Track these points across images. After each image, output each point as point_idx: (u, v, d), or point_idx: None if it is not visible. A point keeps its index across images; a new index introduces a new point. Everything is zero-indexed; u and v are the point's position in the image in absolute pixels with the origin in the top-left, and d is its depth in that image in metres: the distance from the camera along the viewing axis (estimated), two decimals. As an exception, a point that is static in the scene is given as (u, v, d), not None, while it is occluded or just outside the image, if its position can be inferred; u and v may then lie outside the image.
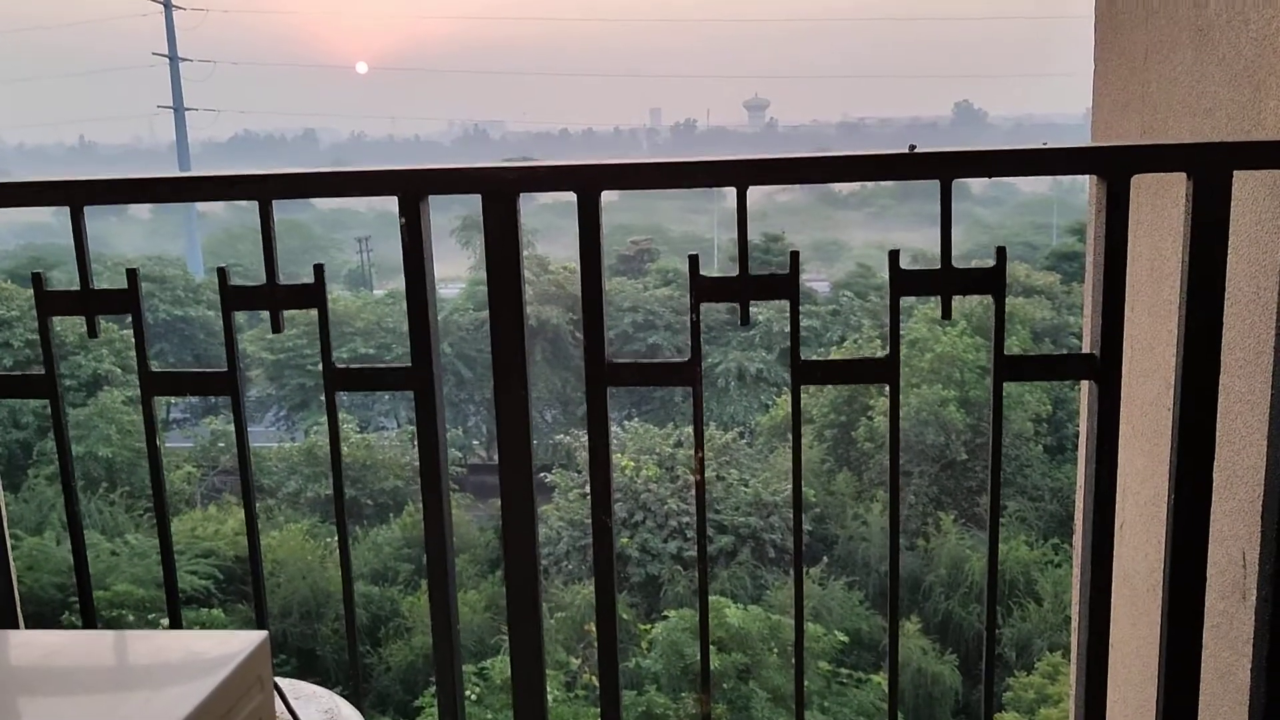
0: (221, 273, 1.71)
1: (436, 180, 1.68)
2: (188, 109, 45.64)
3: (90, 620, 1.86)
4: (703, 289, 1.68)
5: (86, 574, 1.83)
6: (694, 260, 1.69)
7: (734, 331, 25.50)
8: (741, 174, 1.64)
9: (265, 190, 1.64)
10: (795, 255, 1.69)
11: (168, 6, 43.31)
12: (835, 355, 23.27)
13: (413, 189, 1.65)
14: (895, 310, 1.67)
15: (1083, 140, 2.81)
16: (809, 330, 26.88)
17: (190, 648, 1.19)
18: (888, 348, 1.70)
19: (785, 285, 1.68)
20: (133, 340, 1.76)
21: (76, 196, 1.67)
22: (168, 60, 43.83)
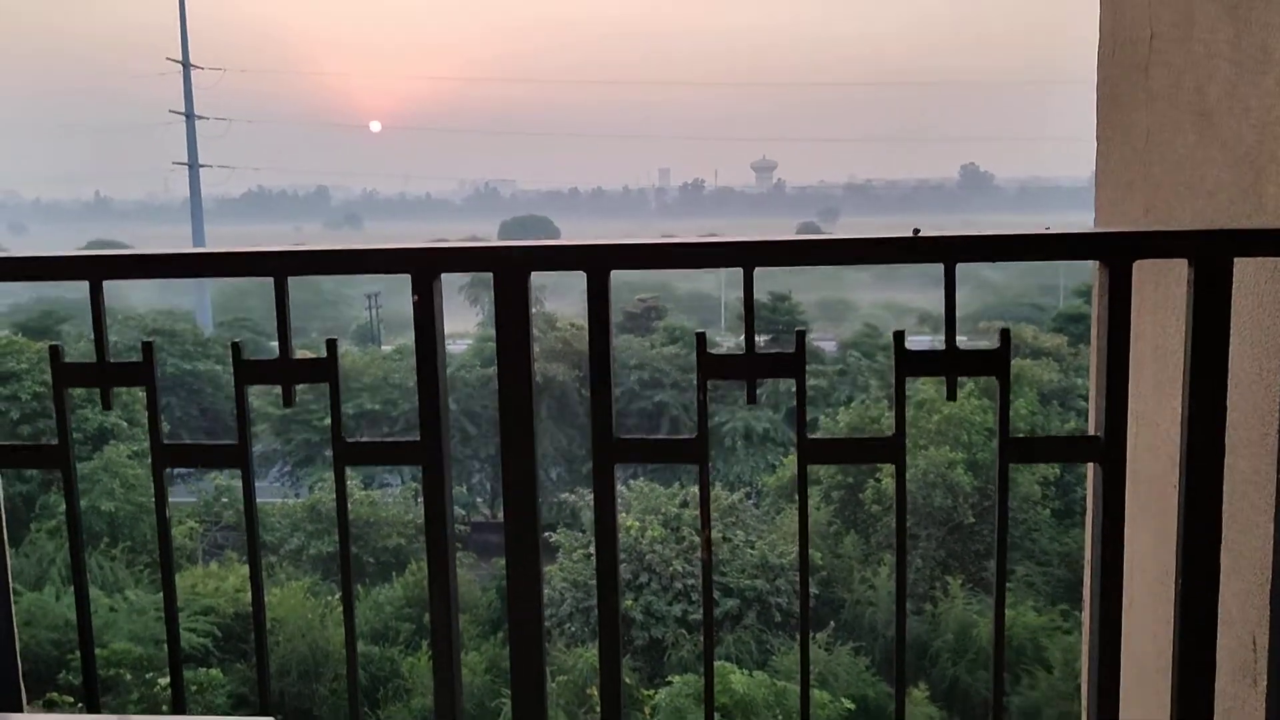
0: (236, 348, 1.74)
1: (449, 259, 1.70)
2: (202, 165, 46.31)
3: (93, 701, 1.85)
4: (710, 367, 1.70)
5: (91, 651, 1.83)
6: (701, 338, 1.71)
7: (740, 391, 25.47)
8: (748, 256, 1.67)
9: (282, 267, 1.67)
10: (801, 335, 1.71)
11: (186, 66, 44.17)
12: (842, 416, 23.29)
13: (426, 267, 1.68)
14: (901, 391, 1.68)
15: (1088, 206, 2.84)
16: (815, 390, 26.87)
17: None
18: (895, 420, 1.71)
19: (792, 364, 1.69)
20: (142, 396, 1.78)
21: (97, 272, 1.70)
22: (184, 118, 44.57)
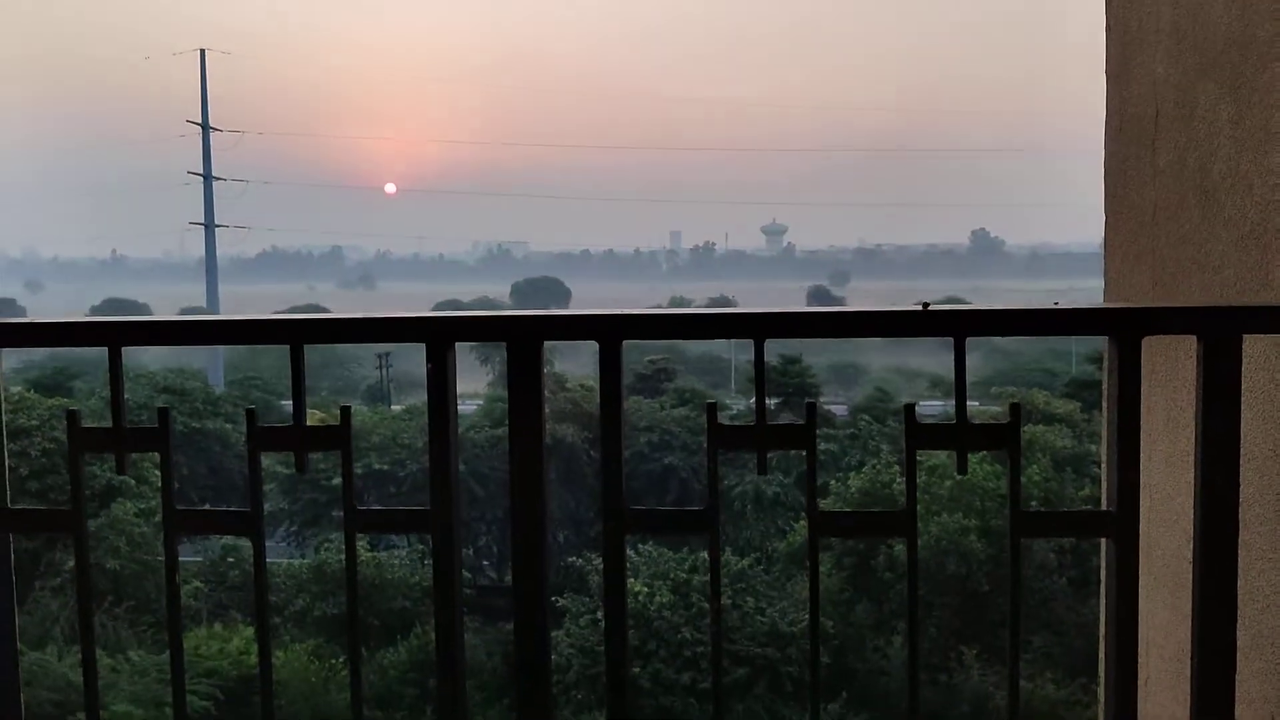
0: (250, 414, 1.75)
1: (463, 327, 1.72)
2: (218, 225, 46.94)
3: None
4: (721, 437, 1.70)
5: (97, 709, 1.82)
6: (711, 409, 1.72)
7: (751, 455, 25.35)
8: (759, 327, 1.68)
9: (298, 335, 1.70)
10: (812, 407, 1.71)
11: (205, 129, 45.00)
12: (853, 481, 23.13)
13: (440, 336, 1.70)
14: (911, 464, 1.68)
15: (1097, 272, 2.86)
16: (826, 454, 26.72)
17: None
18: (905, 494, 1.71)
19: (802, 436, 1.70)
20: (151, 453, 1.79)
21: (114, 338, 1.72)
22: (202, 179, 45.30)
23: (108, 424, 1.76)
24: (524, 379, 1.73)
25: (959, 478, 19.70)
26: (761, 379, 1.71)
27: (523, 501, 1.73)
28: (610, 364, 1.72)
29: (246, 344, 1.77)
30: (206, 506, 21.57)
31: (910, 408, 1.67)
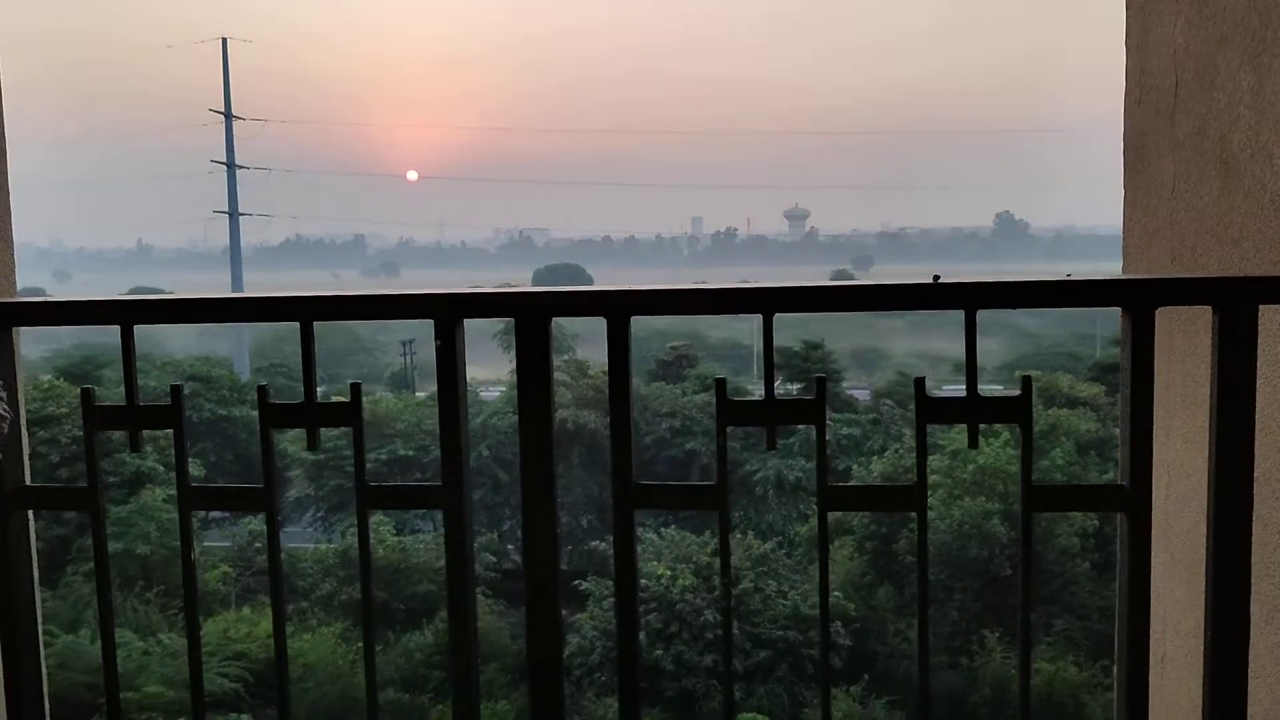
0: (261, 391, 1.76)
1: (471, 304, 1.73)
2: (242, 214, 47.22)
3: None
4: (729, 413, 1.70)
5: (117, 693, 1.84)
6: (720, 384, 1.72)
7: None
8: (767, 302, 1.67)
9: (307, 313, 1.70)
10: (822, 381, 1.70)
11: (228, 117, 45.24)
12: (876, 465, 23.05)
13: (448, 312, 1.70)
14: (922, 438, 1.67)
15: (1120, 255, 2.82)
16: (849, 439, 26.64)
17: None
18: (916, 467, 1.70)
19: (812, 411, 1.69)
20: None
21: (127, 316, 1.74)
22: (225, 167, 45.56)
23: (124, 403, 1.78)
24: (532, 355, 1.73)
25: (981, 461, 19.60)
26: (770, 353, 1.70)
27: (532, 478, 1.74)
28: (618, 340, 1.72)
29: (256, 321, 1.78)
30: (221, 484, 21.80)
31: (920, 381, 1.66)
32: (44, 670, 1.97)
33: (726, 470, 1.73)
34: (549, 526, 1.74)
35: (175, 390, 1.76)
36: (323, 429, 1.75)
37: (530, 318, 1.71)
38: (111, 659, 1.85)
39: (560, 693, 1.77)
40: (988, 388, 1.66)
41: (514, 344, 1.75)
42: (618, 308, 1.70)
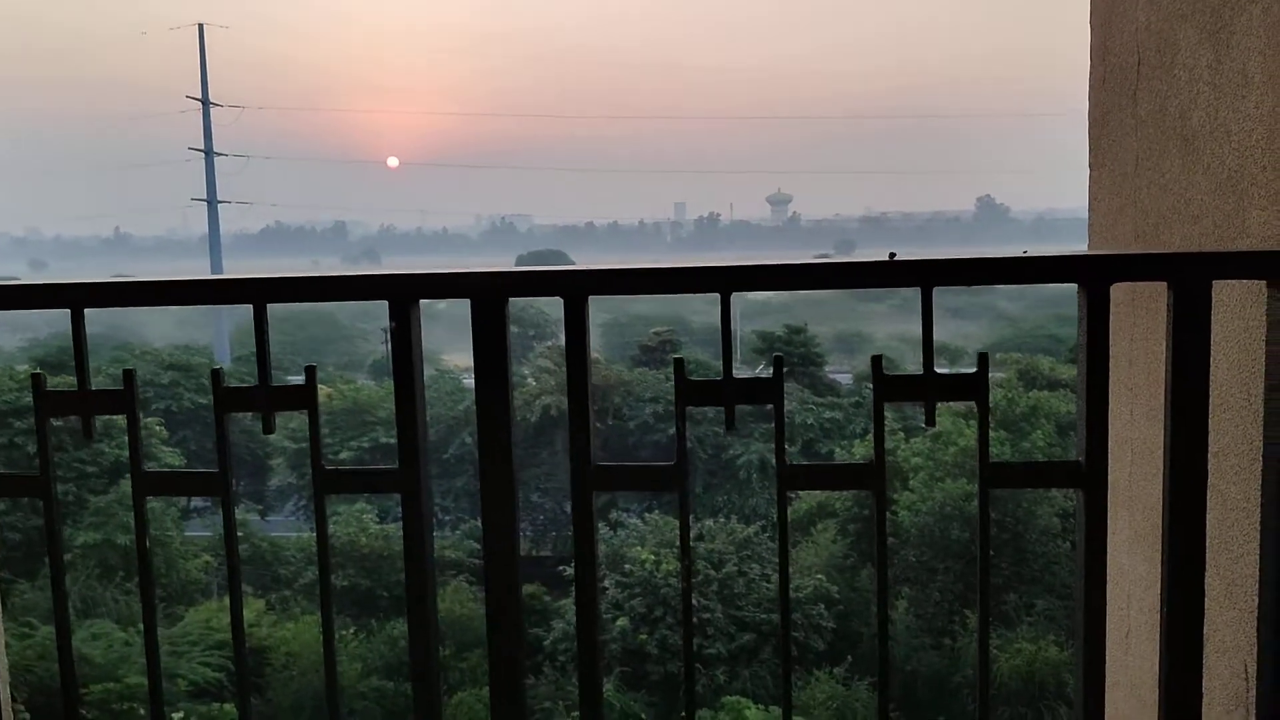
0: (215, 375, 1.74)
1: (426, 285, 1.71)
2: (221, 202, 46.86)
3: (74, 721, 1.85)
4: (687, 393, 1.69)
5: (73, 679, 1.82)
6: (679, 364, 1.71)
7: (755, 423, 25.42)
8: (724, 281, 1.66)
9: (257, 294, 1.68)
10: (779, 360, 1.70)
11: (205, 104, 44.83)
12: (858, 448, 23.14)
13: (402, 294, 1.69)
14: (879, 416, 1.67)
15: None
16: (831, 422, 26.74)
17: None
18: (874, 447, 1.69)
19: (769, 390, 1.68)
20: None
21: (75, 299, 1.71)
22: (203, 155, 45.18)
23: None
24: (489, 337, 1.71)
25: (963, 443, 19.70)
26: (728, 333, 1.69)
27: (491, 462, 1.73)
28: (575, 321, 1.71)
29: (210, 304, 1.77)
30: (180, 467, 21.71)
31: (877, 360, 1.66)
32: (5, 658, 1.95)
33: (686, 450, 1.72)
34: (508, 509, 1.73)
35: (127, 375, 1.74)
36: (274, 431, 1.74)
37: (486, 299, 1.70)
38: (67, 647, 1.83)
39: (520, 674, 1.76)
40: (968, 371, 1.64)
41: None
42: (574, 288, 1.69)
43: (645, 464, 1.77)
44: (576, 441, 1.71)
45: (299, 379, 1.73)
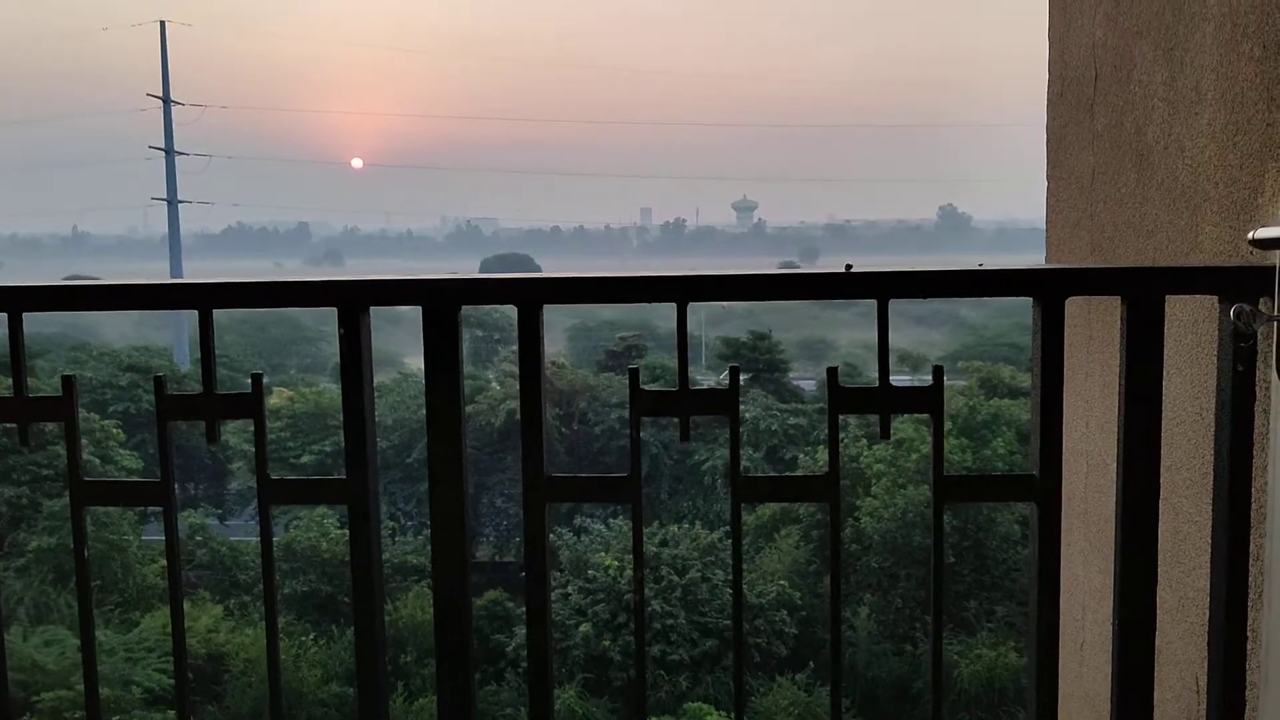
0: (159, 382, 1.70)
1: (376, 291, 1.68)
2: (181, 201, 46.25)
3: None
4: (643, 403, 1.67)
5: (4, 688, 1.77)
6: (634, 374, 1.69)
7: (721, 429, 25.45)
8: (681, 290, 1.65)
9: (203, 300, 1.64)
10: (735, 371, 1.68)
11: (166, 102, 44.26)
12: (821, 455, 23.20)
13: (352, 301, 1.66)
14: (834, 428, 1.66)
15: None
16: (795, 429, 26.83)
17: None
18: (828, 458, 1.68)
19: (725, 401, 1.67)
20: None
21: (14, 304, 1.66)
22: (164, 154, 44.59)
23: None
24: (441, 345, 1.68)
25: (925, 450, 19.84)
26: (684, 343, 1.68)
27: (441, 469, 1.70)
28: (530, 329, 1.68)
29: (154, 309, 1.72)
30: (135, 472, 21.38)
31: (832, 371, 1.65)
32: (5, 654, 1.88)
33: (640, 462, 1.70)
34: (458, 515, 1.70)
35: (66, 382, 1.69)
36: (219, 440, 1.70)
37: (438, 306, 1.67)
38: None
39: (469, 680, 1.73)
40: (924, 384, 1.63)
41: (462, 334, 1.71)
42: (529, 296, 1.67)
43: (599, 475, 1.76)
44: (529, 452, 1.69)
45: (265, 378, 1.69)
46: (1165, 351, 1.62)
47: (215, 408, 1.67)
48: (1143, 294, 1.58)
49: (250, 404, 1.69)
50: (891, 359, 1.67)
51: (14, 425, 1.72)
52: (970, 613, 18.78)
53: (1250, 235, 1.56)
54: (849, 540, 20.40)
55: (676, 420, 1.67)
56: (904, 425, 21.12)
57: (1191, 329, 1.88)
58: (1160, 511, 1.63)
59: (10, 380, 1.71)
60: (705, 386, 1.73)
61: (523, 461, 1.70)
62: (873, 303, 1.62)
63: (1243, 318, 1.47)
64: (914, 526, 19.54)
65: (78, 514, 1.72)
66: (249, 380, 1.67)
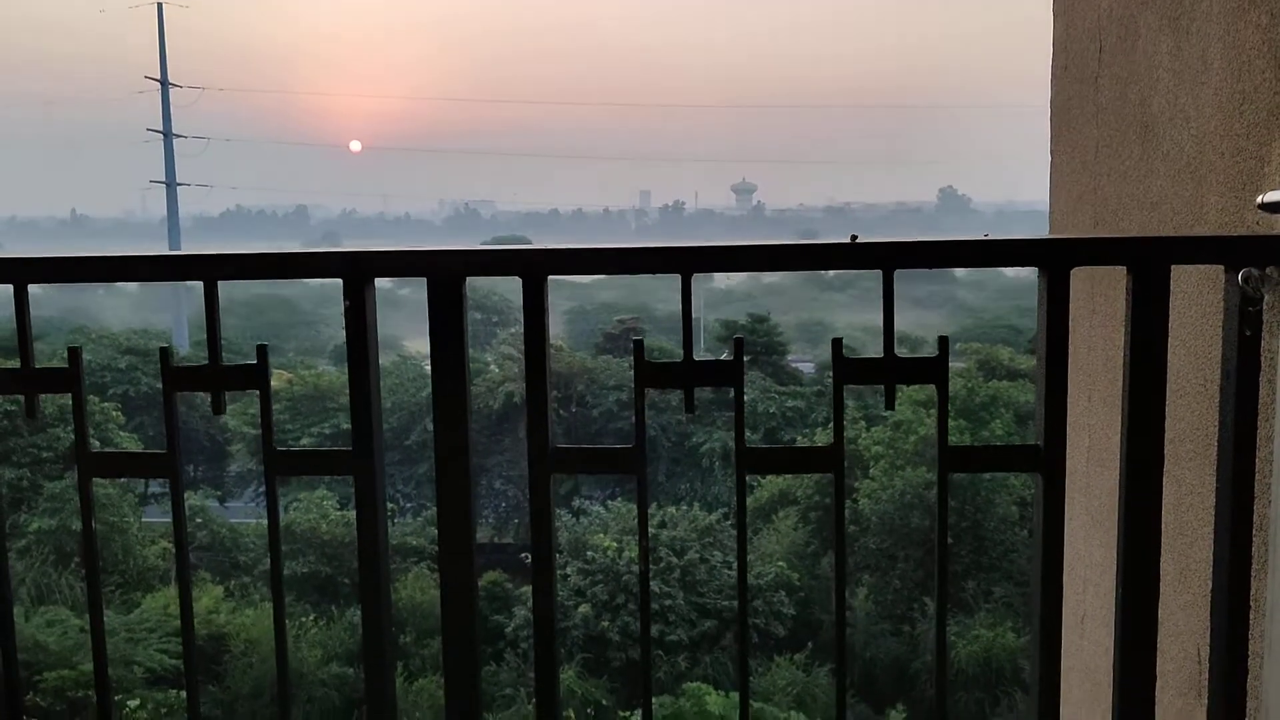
0: (164, 353, 1.70)
1: (382, 264, 1.68)
2: (180, 184, 46.10)
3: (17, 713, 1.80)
4: (647, 375, 1.67)
5: (15, 671, 1.78)
6: (639, 345, 1.69)
7: (719, 411, 25.49)
8: (685, 261, 1.64)
9: (208, 271, 1.64)
10: (739, 342, 1.69)
11: (164, 84, 44.05)
12: (820, 436, 23.27)
13: (357, 272, 1.65)
14: (839, 399, 1.66)
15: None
16: (794, 411, 26.86)
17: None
18: (834, 430, 1.69)
19: (730, 372, 1.67)
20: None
21: (18, 275, 1.66)
22: (162, 136, 44.42)
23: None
24: (446, 318, 1.68)
25: (923, 431, 19.89)
26: (689, 313, 1.68)
27: (447, 444, 1.70)
28: (534, 301, 1.68)
29: (160, 281, 1.72)
30: (122, 438, 21.41)
31: (837, 342, 1.65)
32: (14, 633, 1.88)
33: (645, 433, 1.70)
34: (463, 490, 1.71)
35: (73, 353, 1.69)
36: (225, 411, 1.70)
37: (443, 278, 1.67)
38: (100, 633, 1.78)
39: (476, 661, 1.74)
40: (929, 355, 1.63)
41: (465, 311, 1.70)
42: (533, 267, 1.66)
43: (604, 446, 1.76)
44: (535, 423, 1.69)
45: (249, 360, 1.69)
46: (1169, 324, 1.62)
47: (221, 379, 1.67)
48: (1149, 264, 1.58)
49: (255, 375, 1.69)
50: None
51: (20, 397, 1.72)
52: (968, 594, 18.85)
53: (1259, 199, 1.56)
54: (848, 521, 20.39)
55: (676, 404, 1.67)
56: (902, 407, 21.13)
57: (1196, 301, 1.88)
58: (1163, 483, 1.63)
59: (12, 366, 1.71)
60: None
61: (528, 433, 1.70)
62: (872, 285, 1.62)
63: (1251, 281, 1.47)
64: (912, 508, 19.59)
65: (85, 485, 1.73)
66: (211, 351, 1.67)
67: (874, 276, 1.65)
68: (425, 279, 1.68)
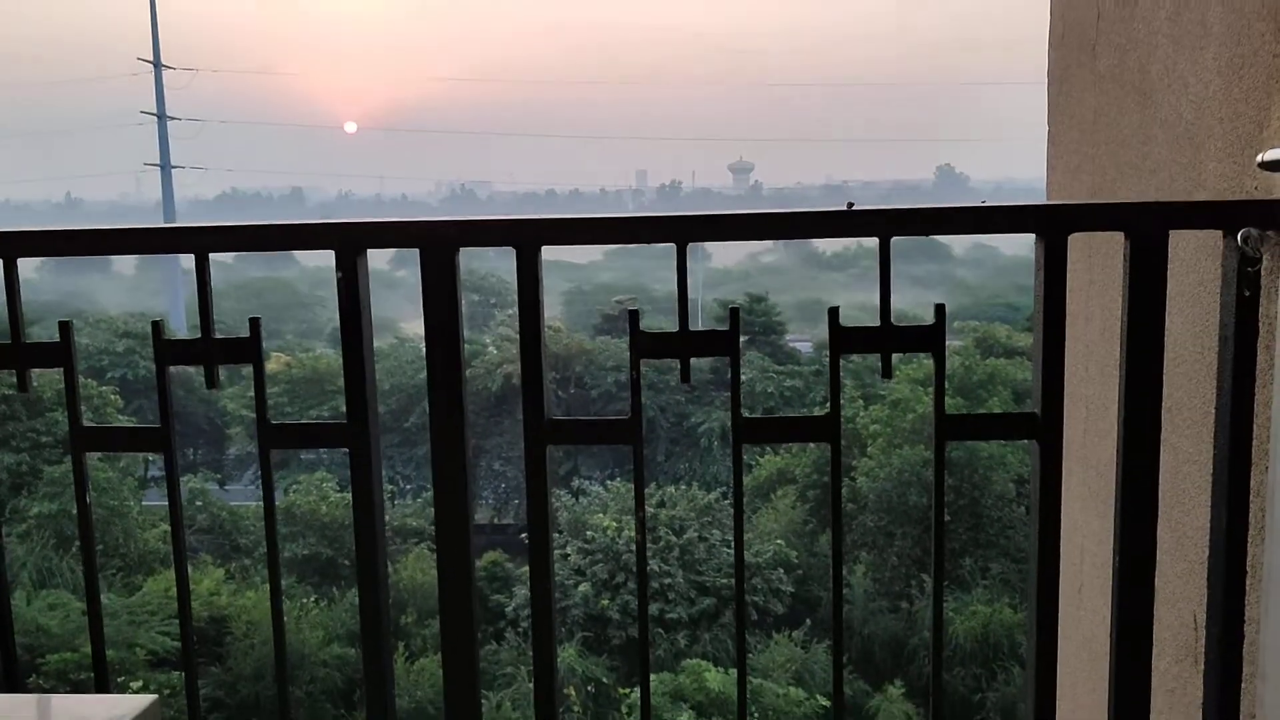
0: (156, 326, 1.69)
1: (374, 233, 1.66)
2: (174, 167, 45.91)
3: (15, 683, 1.80)
4: (642, 345, 1.67)
5: (11, 636, 1.78)
6: (634, 316, 1.68)
7: (717, 391, 25.49)
8: (681, 230, 1.63)
9: (200, 243, 1.63)
10: (735, 312, 1.68)
11: (157, 66, 43.79)
12: (818, 415, 23.27)
13: (350, 242, 1.64)
14: (835, 368, 1.65)
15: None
16: (792, 390, 26.89)
17: (78, 712, 1.15)
18: (830, 398, 1.68)
19: (726, 342, 1.66)
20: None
21: (9, 249, 1.65)
22: (156, 118, 44.19)
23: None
24: (440, 289, 1.67)
25: (921, 409, 19.90)
26: (684, 284, 1.67)
27: (442, 419, 1.69)
28: (528, 272, 1.67)
29: (152, 252, 1.71)
30: (120, 422, 21.44)
31: (834, 311, 1.64)
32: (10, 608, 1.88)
33: (641, 402, 1.70)
34: (460, 468, 1.70)
35: (63, 327, 1.68)
36: (219, 386, 1.69)
37: (436, 249, 1.65)
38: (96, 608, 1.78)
39: (473, 639, 1.74)
40: (926, 323, 1.62)
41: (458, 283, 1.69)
42: (527, 237, 1.65)
43: (600, 418, 1.75)
44: (530, 394, 1.68)
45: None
46: (1167, 291, 1.61)
47: (214, 352, 1.66)
48: (1147, 230, 1.57)
49: (248, 348, 1.68)
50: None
51: (12, 371, 1.71)
52: (965, 570, 18.92)
53: (1259, 158, 1.55)
54: (846, 499, 20.50)
55: (674, 384, 1.67)
56: (899, 385, 21.15)
57: (1194, 268, 1.87)
58: (1160, 451, 1.63)
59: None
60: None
61: (523, 405, 1.69)
62: (869, 264, 1.62)
63: (1250, 242, 1.46)
64: (909, 486, 19.63)
65: (79, 460, 1.72)
66: (204, 325, 1.66)
67: (871, 257, 1.64)
68: (418, 250, 1.66)
